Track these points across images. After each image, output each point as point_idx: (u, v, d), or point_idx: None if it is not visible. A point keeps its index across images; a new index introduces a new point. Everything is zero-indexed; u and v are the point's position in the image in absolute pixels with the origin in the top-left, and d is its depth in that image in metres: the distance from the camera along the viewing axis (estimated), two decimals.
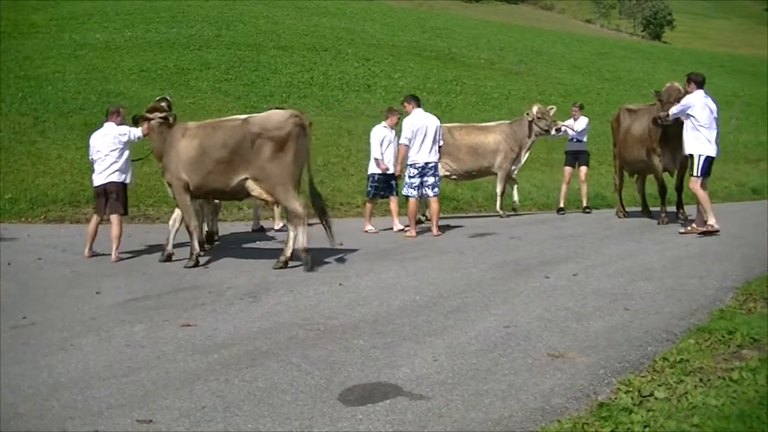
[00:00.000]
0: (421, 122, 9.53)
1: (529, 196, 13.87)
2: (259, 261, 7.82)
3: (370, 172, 10.37)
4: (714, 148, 8.64)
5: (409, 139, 9.47)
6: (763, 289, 5.75)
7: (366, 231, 10.20)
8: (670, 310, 5.39)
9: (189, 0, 33.33)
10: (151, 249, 8.67)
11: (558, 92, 27.32)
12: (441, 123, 10.05)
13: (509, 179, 12.00)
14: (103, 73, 20.11)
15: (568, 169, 12.61)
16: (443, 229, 10.00)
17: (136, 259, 8.27)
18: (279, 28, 30.05)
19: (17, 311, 5.83)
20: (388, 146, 10.16)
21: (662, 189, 10.27)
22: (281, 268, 7.36)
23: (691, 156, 8.69)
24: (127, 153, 8.38)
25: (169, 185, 7.90)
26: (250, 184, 7.47)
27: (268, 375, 4.20)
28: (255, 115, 7.80)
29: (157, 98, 8.63)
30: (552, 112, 12.03)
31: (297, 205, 7.38)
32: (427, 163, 9.59)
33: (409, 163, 9.61)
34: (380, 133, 10.21)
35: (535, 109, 12.02)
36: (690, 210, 10.11)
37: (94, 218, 8.43)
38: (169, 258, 8.00)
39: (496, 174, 11.95)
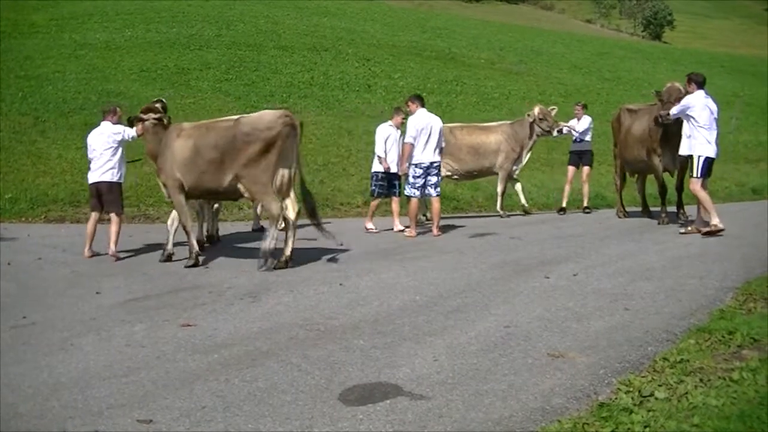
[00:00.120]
0: (425, 122, 9.56)
1: (530, 196, 13.85)
2: (259, 261, 7.81)
3: (373, 170, 10.38)
4: (714, 149, 8.62)
5: (414, 138, 9.49)
6: (763, 290, 5.75)
7: (367, 228, 10.21)
8: (671, 310, 5.39)
9: (189, 0, 33.33)
10: (151, 249, 8.68)
11: (558, 92, 27.32)
12: (442, 123, 10.06)
13: (510, 179, 12.01)
14: (104, 73, 20.12)
15: (571, 169, 12.62)
16: (443, 229, 10.00)
17: (136, 259, 8.27)
18: (279, 28, 30.06)
19: (17, 311, 5.83)
20: (392, 145, 10.16)
21: (662, 189, 10.26)
22: (281, 267, 7.36)
23: (691, 157, 8.68)
24: (121, 152, 8.45)
25: (164, 185, 7.94)
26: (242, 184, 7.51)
27: (268, 375, 4.20)
28: (247, 115, 7.84)
29: (153, 99, 8.69)
30: (553, 113, 12.04)
31: (274, 206, 7.42)
32: (432, 163, 9.63)
33: (413, 162, 9.61)
34: (385, 132, 10.21)
35: (536, 110, 12.03)
36: (690, 210, 10.11)
37: (92, 217, 8.46)
38: (169, 258, 8.00)
39: (497, 174, 11.96)
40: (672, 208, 10.46)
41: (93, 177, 8.43)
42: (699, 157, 8.58)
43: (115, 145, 8.36)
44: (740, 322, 4.78)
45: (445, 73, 27.42)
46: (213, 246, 8.94)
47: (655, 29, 77.69)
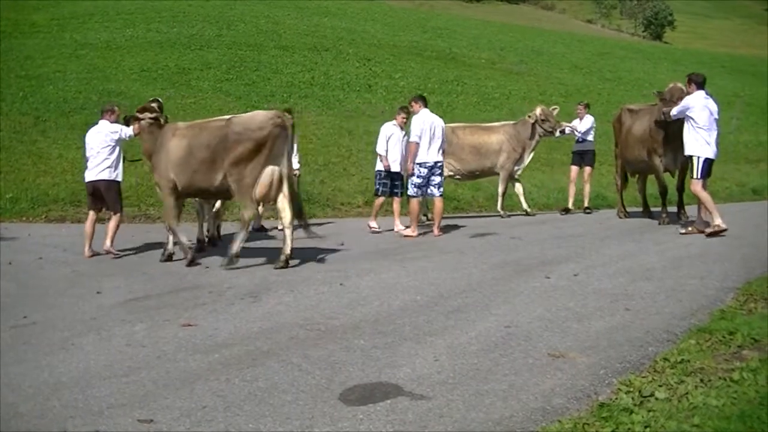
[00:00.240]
0: (429, 121, 9.60)
1: (530, 196, 13.86)
2: (259, 261, 7.82)
3: (377, 169, 10.40)
4: (713, 149, 8.59)
5: (419, 137, 9.50)
6: (763, 290, 5.74)
7: (370, 227, 10.22)
8: (671, 310, 5.39)
9: (190, 0, 33.34)
10: (152, 248, 8.68)
11: (559, 92, 27.33)
12: (444, 123, 10.07)
13: (512, 179, 12.01)
14: (104, 73, 20.13)
15: (574, 169, 12.61)
16: (444, 229, 10.00)
17: (136, 259, 8.28)
18: (280, 28, 30.07)
19: (18, 311, 5.83)
20: (395, 144, 10.18)
21: (663, 189, 10.26)
22: (282, 267, 7.37)
23: (691, 158, 8.68)
24: (118, 151, 8.48)
25: (157, 185, 7.99)
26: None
27: (268, 375, 4.20)
28: (239, 115, 7.88)
29: (150, 99, 8.73)
30: (555, 113, 12.04)
31: (250, 210, 7.50)
32: (436, 162, 9.67)
33: (418, 162, 9.62)
34: (388, 131, 10.24)
35: (538, 110, 12.03)
36: (691, 211, 10.10)
37: (90, 217, 8.47)
38: (169, 258, 8.01)
39: (498, 174, 11.96)
40: (673, 209, 10.45)
41: (90, 175, 8.46)
42: (698, 158, 8.57)
43: (113, 144, 8.40)
44: (741, 322, 4.78)
45: (445, 73, 27.42)
46: (214, 246, 8.95)
47: (656, 29, 77.72)
